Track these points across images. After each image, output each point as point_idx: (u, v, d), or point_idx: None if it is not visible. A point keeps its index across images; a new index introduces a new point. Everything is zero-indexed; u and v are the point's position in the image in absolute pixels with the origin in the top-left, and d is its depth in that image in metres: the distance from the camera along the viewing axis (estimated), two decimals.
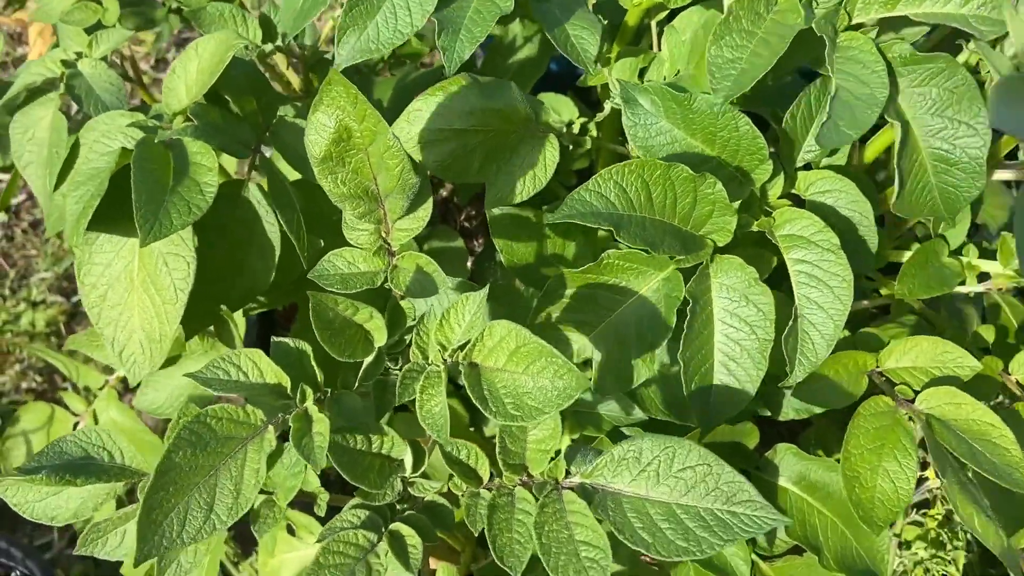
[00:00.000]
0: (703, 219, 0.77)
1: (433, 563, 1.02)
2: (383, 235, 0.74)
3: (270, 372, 0.67)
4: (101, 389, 1.17)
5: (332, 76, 0.68)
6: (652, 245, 0.72)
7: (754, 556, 0.96)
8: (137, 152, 0.74)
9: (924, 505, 1.02)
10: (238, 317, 0.99)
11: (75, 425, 1.19)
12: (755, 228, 0.80)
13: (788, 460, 0.95)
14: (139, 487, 0.71)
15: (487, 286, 0.67)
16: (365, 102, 0.68)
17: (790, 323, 0.76)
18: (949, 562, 1.04)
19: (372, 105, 1.12)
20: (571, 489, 0.66)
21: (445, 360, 0.68)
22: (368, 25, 0.77)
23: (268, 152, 0.91)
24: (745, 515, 0.62)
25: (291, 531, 1.05)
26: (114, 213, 0.78)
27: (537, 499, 0.65)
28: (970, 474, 0.81)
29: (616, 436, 0.93)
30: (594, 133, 0.97)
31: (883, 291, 0.99)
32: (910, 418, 0.82)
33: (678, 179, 0.74)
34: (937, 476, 0.78)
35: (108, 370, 1.20)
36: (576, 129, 0.93)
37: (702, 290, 0.78)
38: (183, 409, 0.69)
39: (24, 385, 1.68)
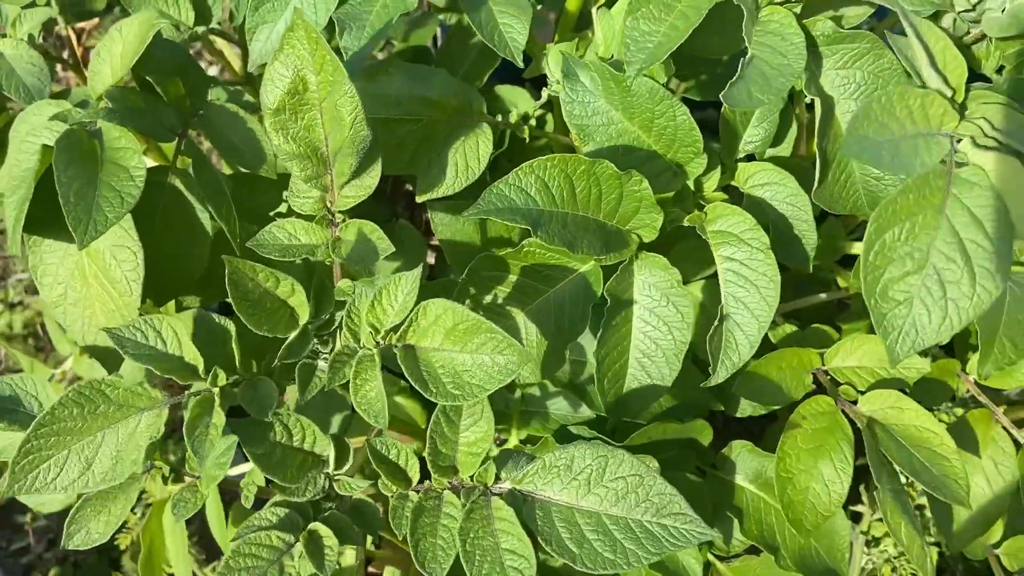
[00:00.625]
0: (629, 215, 0.74)
1: (379, 567, 0.98)
2: (328, 204, 0.70)
3: (188, 348, 0.63)
4: (50, 380, 1.14)
5: (295, 20, 0.65)
6: (571, 245, 0.69)
7: (710, 556, 0.93)
8: (58, 149, 0.71)
9: None
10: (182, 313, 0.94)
11: None
12: (686, 223, 0.77)
13: (744, 457, 0.92)
14: None
15: (419, 266, 0.63)
16: (326, 48, 0.65)
17: (715, 323, 0.74)
18: None
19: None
20: (499, 495, 0.63)
21: (378, 343, 0.64)
22: (277, 23, 0.75)
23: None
24: (675, 528, 0.60)
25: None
26: (50, 214, 0.75)
27: (464, 504, 0.62)
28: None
29: (563, 435, 0.89)
30: (550, 127, 0.94)
31: (841, 283, 0.96)
32: (851, 421, 0.79)
33: (603, 175, 0.71)
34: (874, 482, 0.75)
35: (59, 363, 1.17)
36: (513, 118, 0.90)
37: (624, 287, 0.76)
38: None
39: None
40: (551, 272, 0.76)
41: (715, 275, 0.83)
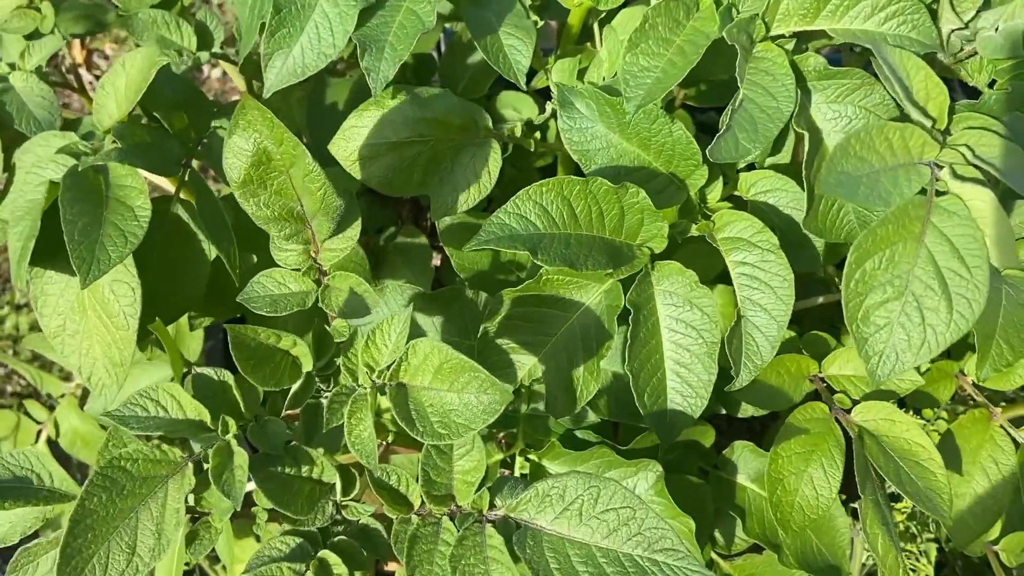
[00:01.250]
0: (635, 228, 0.75)
1: (395, 566, 1.01)
2: (312, 255, 0.72)
3: (190, 406, 0.65)
4: (62, 396, 1.17)
5: (244, 100, 0.66)
6: (573, 264, 0.70)
7: (713, 555, 0.96)
8: (64, 187, 0.72)
9: (894, 499, 1.01)
10: (191, 333, 0.97)
11: (38, 434, 1.19)
12: (695, 232, 0.78)
13: (746, 457, 0.95)
14: (66, 513, 0.71)
15: (410, 307, 0.65)
16: (281, 126, 0.66)
17: (732, 325, 0.75)
18: (920, 554, 1.03)
19: (323, 109, 1.11)
20: (493, 523, 0.64)
21: (374, 382, 0.67)
22: (293, 49, 0.75)
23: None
24: (666, 564, 0.60)
25: (258, 538, 1.04)
26: (54, 247, 0.77)
27: (458, 530, 0.64)
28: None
29: (569, 440, 0.92)
30: (553, 135, 0.94)
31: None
32: (845, 429, 0.80)
33: (599, 192, 0.72)
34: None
35: (69, 377, 1.19)
36: (518, 132, 0.91)
37: (645, 298, 0.76)
38: (104, 444, 0.68)
39: (9, 388, 1.68)
40: (570, 299, 0.76)
41: (723, 278, 0.85)
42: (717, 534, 0.95)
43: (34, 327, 1.72)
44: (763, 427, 1.18)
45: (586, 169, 0.78)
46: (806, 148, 0.71)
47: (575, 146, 0.77)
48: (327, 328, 0.71)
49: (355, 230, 0.71)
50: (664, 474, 0.82)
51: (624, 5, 0.83)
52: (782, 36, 0.72)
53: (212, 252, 0.86)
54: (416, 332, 0.84)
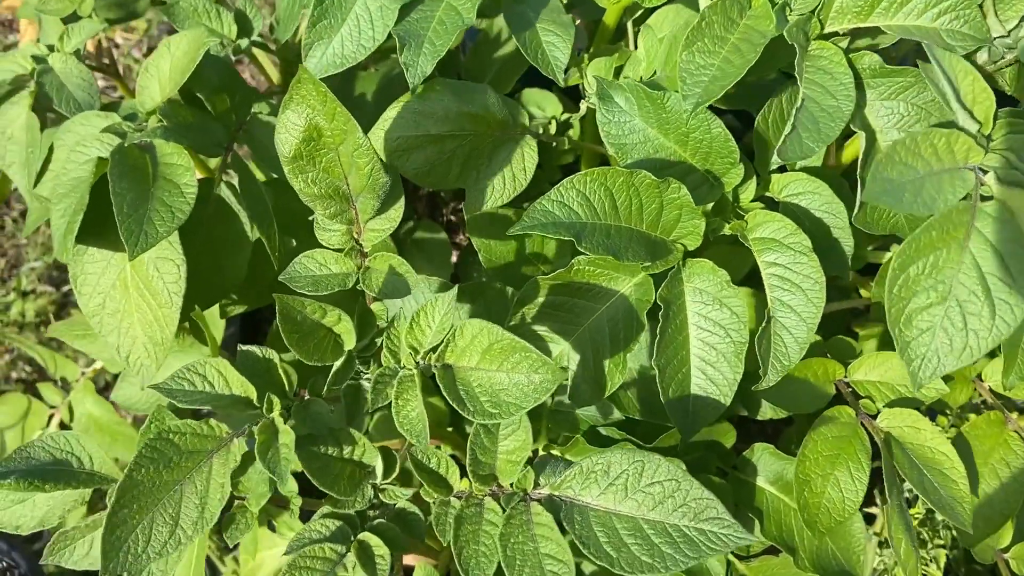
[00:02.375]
0: (671, 224, 0.75)
1: (413, 560, 1.01)
2: (355, 235, 0.72)
3: (236, 383, 0.65)
4: (77, 381, 1.16)
5: (302, 74, 0.67)
6: (616, 253, 0.71)
7: (731, 556, 0.96)
8: (113, 162, 0.73)
9: (907, 504, 1.02)
10: (216, 317, 0.97)
11: (50, 418, 1.18)
12: (727, 231, 0.79)
13: (766, 459, 0.95)
14: (108, 494, 0.70)
15: (456, 287, 0.65)
16: (335, 101, 0.67)
17: (763, 325, 0.75)
18: (930, 560, 1.04)
19: (352, 100, 1.12)
20: (538, 501, 0.64)
21: (418, 363, 0.67)
22: (333, 40, 0.77)
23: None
24: (712, 532, 0.61)
25: (272, 527, 1.04)
26: (99, 225, 0.77)
27: (505, 510, 0.64)
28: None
29: (593, 436, 0.92)
30: (576, 133, 0.95)
31: (863, 292, 0.97)
32: (869, 433, 0.81)
33: (642, 185, 0.72)
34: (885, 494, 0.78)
35: (86, 361, 1.18)
36: (553, 129, 0.91)
37: (675, 295, 0.76)
38: (148, 424, 0.67)
39: (14, 375, 1.67)
40: (600, 290, 0.77)
41: (751, 279, 0.86)
42: None
43: (40, 314, 1.70)
44: (775, 430, 1.19)
45: (622, 163, 0.79)
46: (862, 147, 0.71)
47: (612, 139, 0.78)
48: (369, 307, 0.71)
49: (398, 211, 0.72)
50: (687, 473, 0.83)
51: (663, 4, 0.84)
52: (836, 34, 0.73)
53: (252, 235, 0.86)
54: None
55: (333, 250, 0.72)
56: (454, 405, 0.62)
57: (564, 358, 0.77)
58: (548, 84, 1.11)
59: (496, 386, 0.63)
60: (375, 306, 0.71)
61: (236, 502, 0.72)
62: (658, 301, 0.76)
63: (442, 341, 0.65)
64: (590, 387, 0.77)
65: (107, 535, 0.58)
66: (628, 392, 0.89)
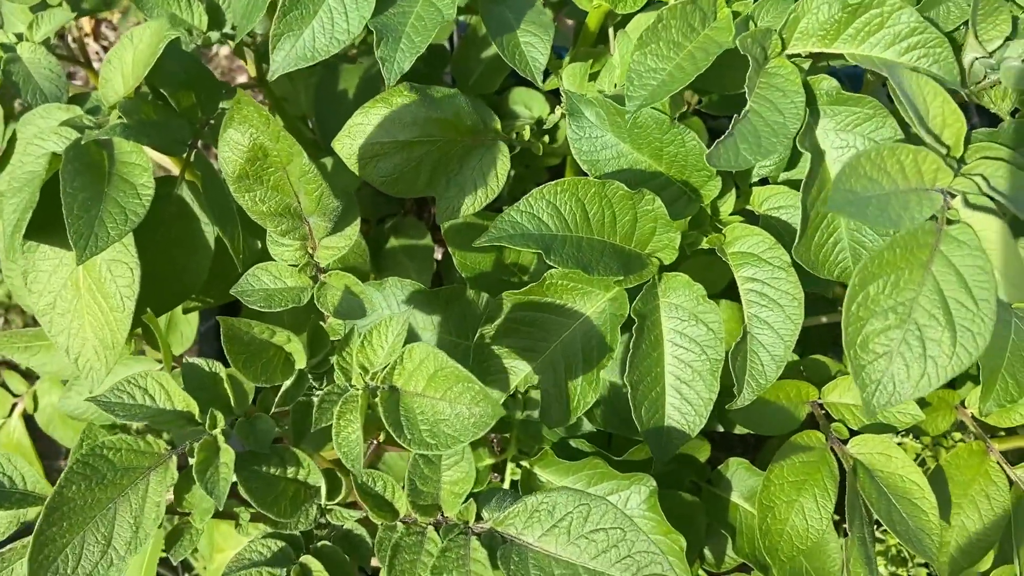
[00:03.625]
0: (646, 237, 0.73)
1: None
2: (310, 251, 0.71)
3: (179, 397, 0.64)
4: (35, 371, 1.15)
5: (239, 96, 0.64)
6: (586, 267, 0.69)
7: (701, 572, 0.94)
8: (67, 159, 0.70)
9: None
10: (185, 317, 0.96)
11: (13, 407, 1.17)
12: (705, 245, 0.76)
13: (740, 475, 0.93)
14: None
15: (408, 310, 0.63)
16: (277, 124, 0.65)
17: (737, 341, 0.73)
18: None
19: (335, 96, 1.09)
20: (478, 535, 0.62)
21: (367, 383, 0.65)
22: (304, 31, 0.73)
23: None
24: None
25: (238, 525, 1.04)
26: (51, 222, 0.75)
27: (442, 541, 0.62)
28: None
29: (562, 449, 0.90)
30: (561, 136, 0.93)
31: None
32: (838, 459, 0.79)
33: (615, 197, 0.70)
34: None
35: None
36: (527, 135, 0.89)
37: (650, 309, 0.74)
38: (80, 438, 0.66)
39: None
40: (573, 305, 0.75)
41: (727, 294, 0.83)
42: (707, 551, 0.94)
43: (9, 295, 1.69)
44: (758, 441, 1.17)
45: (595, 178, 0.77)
46: (807, 170, 0.69)
47: (584, 155, 0.75)
48: (323, 324, 0.69)
49: (354, 229, 0.70)
50: (657, 489, 0.81)
51: (643, 9, 0.81)
52: (798, 55, 0.70)
53: (214, 237, 0.84)
54: (414, 331, 0.82)
55: (287, 264, 0.70)
56: (390, 431, 0.60)
57: (532, 377, 0.75)
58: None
59: (438, 415, 0.61)
60: (332, 320, 0.70)
61: (180, 517, 0.71)
62: (632, 315, 0.74)
63: (391, 363, 0.64)
64: (561, 407, 0.76)
65: (34, 554, 0.56)
66: (598, 405, 0.87)
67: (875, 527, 1.01)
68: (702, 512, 0.91)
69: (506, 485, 0.88)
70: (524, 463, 0.87)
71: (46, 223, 0.76)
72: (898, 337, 0.60)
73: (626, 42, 0.80)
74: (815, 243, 0.71)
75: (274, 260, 0.71)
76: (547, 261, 0.68)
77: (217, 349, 1.20)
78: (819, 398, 0.85)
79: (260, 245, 0.88)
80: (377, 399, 0.63)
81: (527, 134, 0.89)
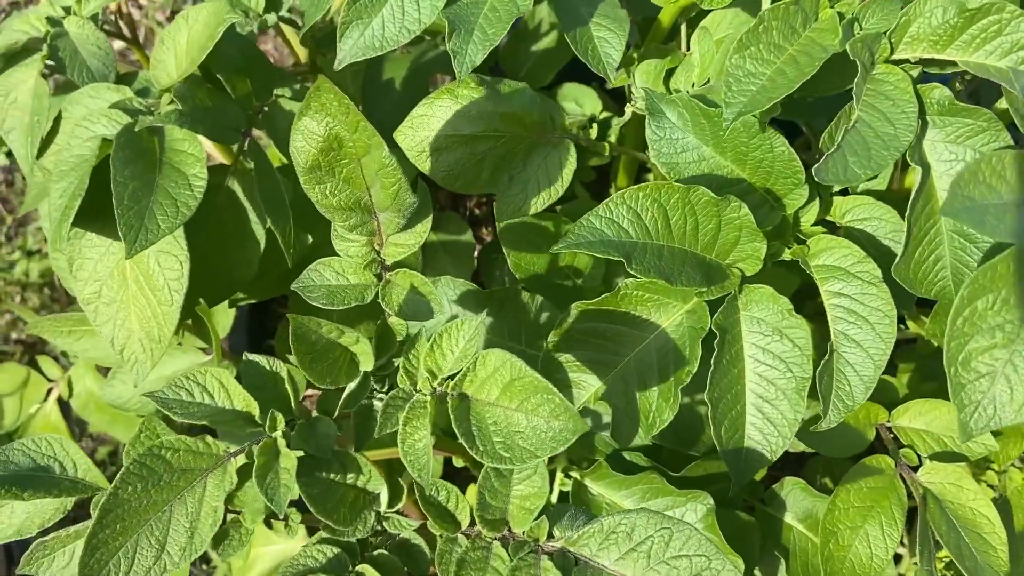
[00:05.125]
0: (729, 246, 0.70)
1: None
2: (376, 247, 0.68)
3: (238, 396, 0.61)
4: (78, 356, 1.12)
5: (320, 83, 0.62)
6: (668, 277, 0.66)
7: None
8: (117, 146, 0.68)
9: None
10: (224, 308, 0.93)
11: (48, 391, 1.15)
12: (787, 256, 0.73)
13: (795, 495, 0.90)
14: (92, 503, 0.66)
15: (484, 315, 0.61)
16: (358, 113, 0.62)
17: (824, 360, 0.70)
18: None
19: (380, 85, 1.06)
20: (549, 555, 0.60)
21: (434, 389, 0.62)
22: (373, 20, 0.70)
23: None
24: None
25: (268, 523, 1.01)
26: (99, 209, 0.72)
27: (511, 559, 0.60)
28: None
29: (616, 461, 0.88)
30: (615, 136, 0.90)
31: (911, 326, 0.92)
32: (907, 487, 0.76)
33: (699, 203, 0.68)
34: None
35: None
36: (594, 133, 0.86)
37: (730, 323, 0.71)
38: (136, 435, 0.63)
39: (14, 335, 1.64)
40: (649, 316, 0.72)
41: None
42: (758, 573, 0.91)
43: (44, 275, 1.67)
44: (798, 460, 1.14)
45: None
46: (916, 183, 0.66)
47: (663, 158, 0.72)
48: (390, 325, 0.66)
49: (425, 226, 0.67)
50: (715, 508, 0.78)
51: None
52: (907, 61, 0.67)
53: (263, 235, 0.81)
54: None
55: (351, 260, 0.67)
56: (463, 441, 0.58)
57: (596, 396, 0.72)
58: (587, 79, 1.06)
59: (512, 427, 0.59)
60: (395, 320, 0.67)
61: (230, 516, 0.68)
62: (713, 329, 0.71)
63: (462, 369, 0.61)
64: (633, 423, 0.73)
65: (86, 557, 0.54)
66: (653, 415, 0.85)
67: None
68: (757, 533, 0.88)
69: (554, 497, 0.85)
70: (574, 474, 0.84)
71: (94, 210, 0.74)
72: (1004, 357, 0.58)
73: (706, 39, 0.77)
74: (915, 260, 0.68)
75: (336, 256, 0.67)
76: (629, 269, 0.65)
77: (248, 340, 1.17)
78: (888, 421, 0.82)
79: (311, 240, 0.85)
80: (448, 406, 0.60)
81: (594, 132, 0.86)
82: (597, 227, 0.65)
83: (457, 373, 0.62)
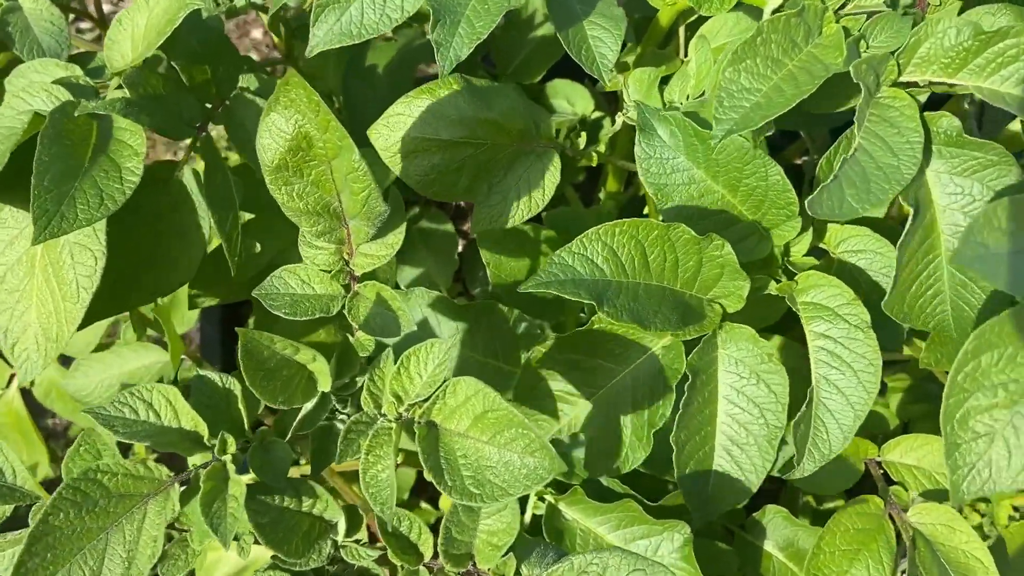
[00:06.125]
0: (710, 282, 0.68)
1: None
2: (345, 256, 0.65)
3: (186, 415, 0.58)
4: None
5: (290, 76, 0.59)
6: (642, 320, 0.63)
7: None
8: (49, 125, 0.64)
9: None
10: (183, 308, 0.90)
11: (11, 378, 1.12)
12: (773, 291, 0.71)
13: (776, 523, 0.89)
14: (31, 512, 0.63)
15: (455, 338, 0.58)
16: (328, 112, 0.59)
17: (803, 408, 0.68)
18: None
19: (363, 72, 1.03)
20: None
21: (400, 415, 0.60)
22: (351, 5, 0.67)
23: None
24: None
25: None
26: (18, 188, 0.67)
27: None
28: None
29: (593, 487, 0.85)
30: (603, 147, 0.87)
31: (906, 351, 0.90)
32: (896, 528, 0.75)
33: (679, 240, 0.65)
34: None
35: None
36: (583, 142, 0.83)
37: (707, 362, 0.70)
38: (70, 454, 0.60)
39: None
40: (623, 350, 0.70)
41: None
42: None
43: None
44: (776, 485, 1.13)
45: (660, 204, 0.71)
46: (909, 221, 0.64)
47: (651, 178, 0.70)
48: (352, 342, 0.63)
49: (397, 237, 0.64)
50: (692, 538, 0.77)
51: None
52: (914, 84, 0.64)
53: (208, 236, 0.78)
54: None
55: (317, 269, 0.64)
56: (430, 476, 0.56)
57: (577, 422, 0.70)
58: (580, 75, 1.02)
59: (483, 461, 0.57)
60: (362, 336, 0.64)
61: (177, 534, 0.65)
62: (687, 370, 0.69)
63: (431, 396, 0.58)
64: (606, 459, 0.71)
65: None
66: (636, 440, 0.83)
67: None
68: (735, 562, 0.87)
69: (527, 517, 0.83)
70: (549, 497, 0.82)
71: (12, 188, 0.69)
72: (1004, 418, 0.55)
73: (703, 48, 0.74)
74: (911, 293, 0.65)
75: (299, 264, 0.65)
76: (600, 311, 0.63)
77: (222, 335, 1.15)
78: (878, 456, 0.80)
79: (258, 248, 0.82)
80: (416, 435, 0.57)
81: (582, 142, 0.83)
82: (569, 264, 0.63)
83: (427, 399, 0.59)
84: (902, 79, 0.64)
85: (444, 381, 0.59)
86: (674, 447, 0.69)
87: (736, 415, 0.69)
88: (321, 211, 0.63)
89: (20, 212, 0.70)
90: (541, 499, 0.83)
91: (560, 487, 0.85)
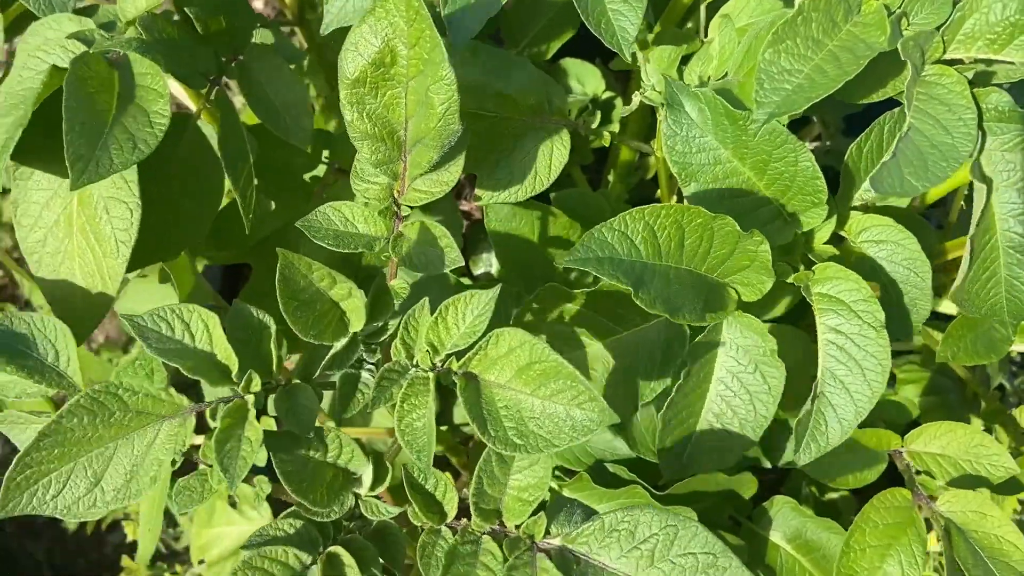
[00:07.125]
0: (734, 270, 0.70)
1: None
2: (395, 194, 0.66)
3: (220, 344, 0.59)
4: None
5: None
6: (672, 310, 0.65)
7: None
8: (71, 72, 0.65)
9: None
10: (187, 268, 0.89)
11: None
12: (790, 280, 0.73)
13: (784, 514, 0.90)
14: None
15: (497, 288, 0.58)
16: (426, 20, 0.59)
17: (807, 402, 0.70)
18: None
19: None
20: (546, 552, 0.59)
21: (435, 365, 0.60)
22: None
23: None
24: None
25: (233, 502, 1.00)
26: (49, 145, 0.68)
27: (506, 558, 0.59)
28: None
29: (599, 474, 0.86)
30: (616, 127, 0.88)
31: (920, 341, 0.92)
32: (926, 519, 0.76)
33: (720, 231, 0.67)
34: None
35: None
36: (596, 121, 0.84)
37: (710, 344, 0.72)
38: (122, 367, 0.64)
39: None
40: (626, 312, 0.72)
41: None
42: None
43: None
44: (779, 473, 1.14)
45: (683, 185, 0.73)
46: (979, 205, 0.66)
47: (676, 156, 0.71)
48: (390, 287, 0.63)
49: (454, 170, 0.65)
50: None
51: None
52: (960, 61, 0.66)
53: (224, 190, 0.78)
54: None
55: (362, 206, 0.65)
56: (474, 426, 0.57)
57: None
58: (589, 55, 1.04)
59: (526, 412, 0.58)
60: (396, 283, 0.64)
61: (198, 469, 0.65)
62: (686, 356, 0.72)
63: (471, 346, 0.59)
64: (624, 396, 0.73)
65: (15, 473, 0.54)
66: (644, 429, 0.83)
67: None
68: (744, 554, 0.87)
69: None
70: (553, 484, 0.82)
71: (43, 148, 0.70)
72: None
73: (728, 28, 0.77)
74: (970, 279, 0.67)
75: (344, 202, 0.65)
76: (635, 298, 0.64)
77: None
78: (902, 446, 0.81)
79: (272, 207, 0.82)
80: (457, 386, 0.58)
81: (595, 121, 0.85)
82: (608, 240, 0.64)
83: (466, 351, 0.60)
84: (946, 56, 0.66)
85: (484, 333, 0.59)
86: (660, 424, 0.71)
87: (727, 397, 0.72)
88: (385, 137, 0.63)
89: (50, 175, 0.72)
90: (562, 495, 0.83)
91: (566, 472, 0.85)
